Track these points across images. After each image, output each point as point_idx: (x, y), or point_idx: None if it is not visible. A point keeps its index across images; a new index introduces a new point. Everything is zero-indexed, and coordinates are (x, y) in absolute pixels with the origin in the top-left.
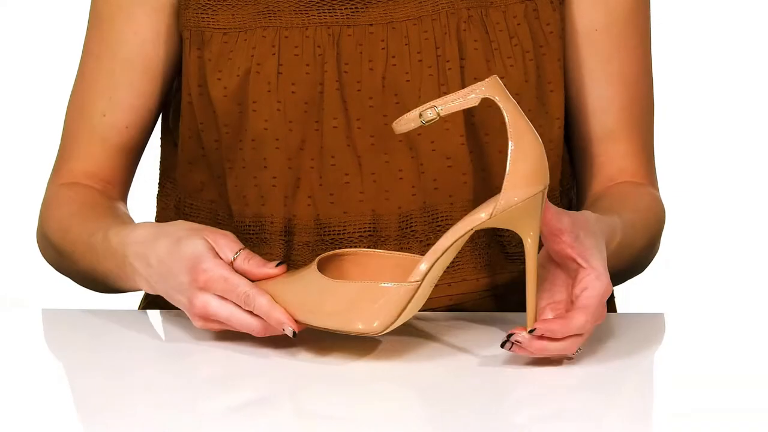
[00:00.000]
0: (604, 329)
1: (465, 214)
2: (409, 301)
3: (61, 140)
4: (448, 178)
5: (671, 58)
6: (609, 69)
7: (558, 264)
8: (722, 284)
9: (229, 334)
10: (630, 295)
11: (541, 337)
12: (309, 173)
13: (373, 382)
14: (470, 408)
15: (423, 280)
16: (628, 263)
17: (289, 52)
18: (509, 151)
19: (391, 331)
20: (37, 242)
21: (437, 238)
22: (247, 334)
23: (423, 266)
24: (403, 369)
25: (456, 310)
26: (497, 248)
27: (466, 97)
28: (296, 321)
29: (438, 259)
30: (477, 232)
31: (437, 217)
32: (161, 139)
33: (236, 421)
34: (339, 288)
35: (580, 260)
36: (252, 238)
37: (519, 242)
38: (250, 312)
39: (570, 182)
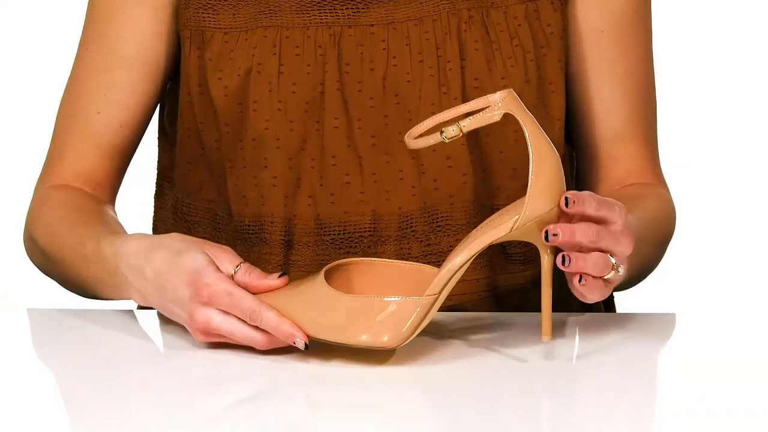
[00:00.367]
0: (614, 329)
1: (465, 215)
2: (426, 314)
3: (52, 138)
4: (448, 179)
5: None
6: (615, 70)
7: None
8: (733, 284)
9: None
10: (641, 295)
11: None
12: (309, 173)
13: (372, 382)
14: (473, 407)
15: (440, 293)
16: (641, 264)
17: (290, 52)
18: (530, 164)
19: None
20: (24, 244)
21: (437, 238)
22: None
23: (441, 279)
24: (402, 368)
25: (456, 310)
26: (497, 249)
27: (492, 113)
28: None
29: (456, 272)
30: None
31: (437, 218)
32: (158, 139)
33: (232, 421)
34: (353, 301)
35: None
36: (251, 238)
37: (519, 243)
38: (254, 326)
39: (570, 185)
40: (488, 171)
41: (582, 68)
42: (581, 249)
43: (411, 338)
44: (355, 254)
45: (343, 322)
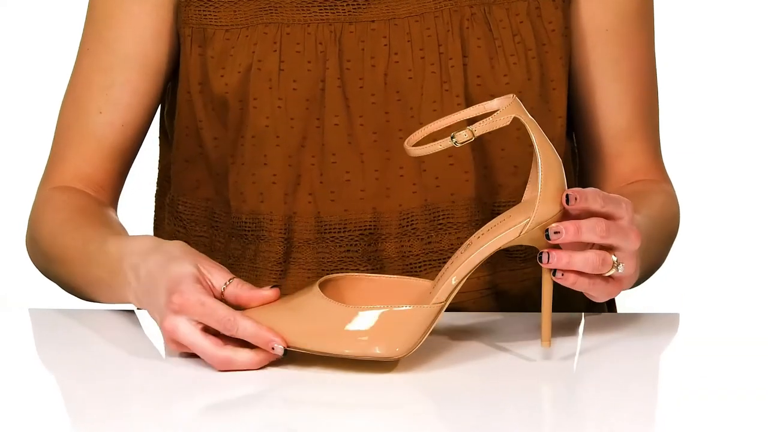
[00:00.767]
0: (617, 328)
1: (466, 213)
2: (432, 322)
3: (54, 140)
4: (449, 176)
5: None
6: (619, 68)
7: None
8: (737, 284)
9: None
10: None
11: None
12: (310, 170)
13: (373, 382)
14: (474, 407)
15: (447, 301)
16: (649, 263)
17: (290, 49)
18: (539, 170)
19: None
20: (26, 246)
21: (438, 236)
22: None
23: (448, 287)
24: (403, 368)
25: (457, 309)
26: None
27: (502, 117)
28: (300, 348)
29: (463, 279)
30: (478, 230)
31: (438, 215)
32: (159, 138)
33: (234, 422)
34: (355, 313)
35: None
36: (248, 236)
37: None
38: (221, 341)
39: (572, 182)
40: (490, 168)
41: (586, 66)
42: (584, 248)
43: (416, 347)
44: (356, 252)
45: (349, 334)
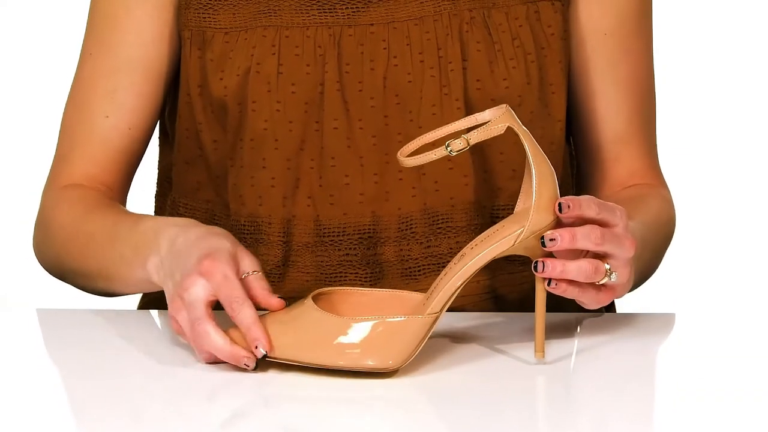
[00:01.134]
0: (614, 329)
1: (465, 217)
2: (426, 333)
3: (59, 144)
4: (448, 180)
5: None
6: (618, 72)
7: None
8: (732, 284)
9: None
10: (640, 295)
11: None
12: (309, 174)
13: (373, 383)
14: (472, 407)
15: (441, 311)
16: (644, 268)
17: (289, 52)
18: (533, 179)
19: None
20: (35, 246)
21: (437, 240)
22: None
23: (443, 297)
24: (402, 368)
25: (456, 311)
26: None
27: (496, 126)
28: (294, 360)
29: (457, 290)
30: (477, 234)
31: (437, 219)
32: (159, 139)
33: (234, 421)
34: (348, 324)
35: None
36: (246, 239)
37: None
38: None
39: (569, 185)
40: (489, 172)
41: (585, 70)
42: (578, 256)
43: (411, 358)
44: (355, 256)
45: (343, 346)
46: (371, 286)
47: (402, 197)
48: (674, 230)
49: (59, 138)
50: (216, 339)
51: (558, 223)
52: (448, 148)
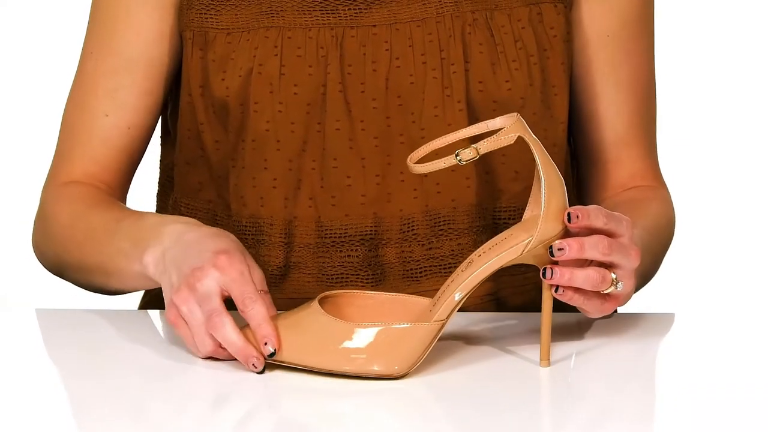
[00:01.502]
0: (613, 329)
1: (467, 219)
2: (433, 340)
3: (59, 142)
4: (450, 182)
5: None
6: (620, 74)
7: None
8: (733, 285)
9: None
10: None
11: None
12: (310, 175)
13: (374, 384)
14: (473, 407)
15: (448, 318)
16: (644, 273)
17: (291, 53)
18: (542, 188)
19: None
20: (35, 243)
21: (439, 242)
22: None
23: (449, 305)
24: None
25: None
26: None
27: (506, 135)
28: (299, 364)
29: (464, 298)
30: (479, 236)
31: (439, 221)
32: (161, 139)
33: (238, 422)
34: (354, 330)
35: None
36: (248, 239)
37: None
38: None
39: (571, 186)
40: (491, 174)
41: (587, 72)
42: (582, 265)
43: (417, 364)
44: (356, 257)
45: (349, 351)
46: (372, 287)
47: (404, 199)
48: (674, 233)
49: (59, 136)
50: (231, 332)
51: (566, 233)
52: (458, 158)
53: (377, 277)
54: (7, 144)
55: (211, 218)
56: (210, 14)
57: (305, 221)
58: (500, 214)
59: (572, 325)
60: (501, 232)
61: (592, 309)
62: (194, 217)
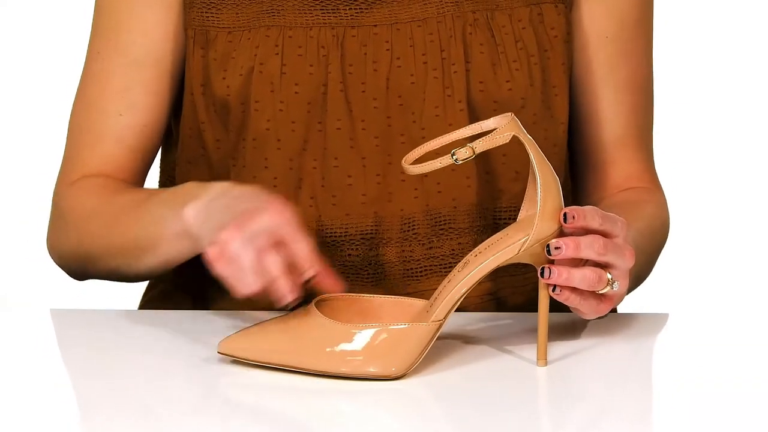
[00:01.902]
0: (608, 328)
1: (468, 218)
2: (430, 341)
3: (69, 144)
4: (451, 182)
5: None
6: (618, 75)
7: None
8: (727, 285)
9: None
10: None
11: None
12: (311, 174)
13: (374, 384)
14: (471, 407)
15: (445, 318)
16: (637, 274)
17: (292, 52)
18: (538, 188)
19: None
20: (51, 243)
21: (440, 241)
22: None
23: (447, 304)
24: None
25: (458, 310)
26: None
27: (501, 135)
28: (296, 366)
29: (461, 298)
30: (479, 236)
31: (440, 221)
32: (162, 138)
33: (245, 421)
34: (350, 332)
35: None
36: None
37: None
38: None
39: (570, 187)
40: (492, 174)
41: (586, 73)
42: (578, 265)
43: (414, 365)
44: (357, 256)
45: (346, 353)
46: (373, 286)
47: (404, 198)
48: (668, 235)
49: (68, 138)
50: (277, 264)
51: (561, 232)
52: (454, 157)
53: (378, 277)
54: (7, 144)
55: None
56: (211, 13)
57: (306, 220)
58: (501, 214)
59: (568, 324)
60: (504, 229)
61: (587, 309)
62: None
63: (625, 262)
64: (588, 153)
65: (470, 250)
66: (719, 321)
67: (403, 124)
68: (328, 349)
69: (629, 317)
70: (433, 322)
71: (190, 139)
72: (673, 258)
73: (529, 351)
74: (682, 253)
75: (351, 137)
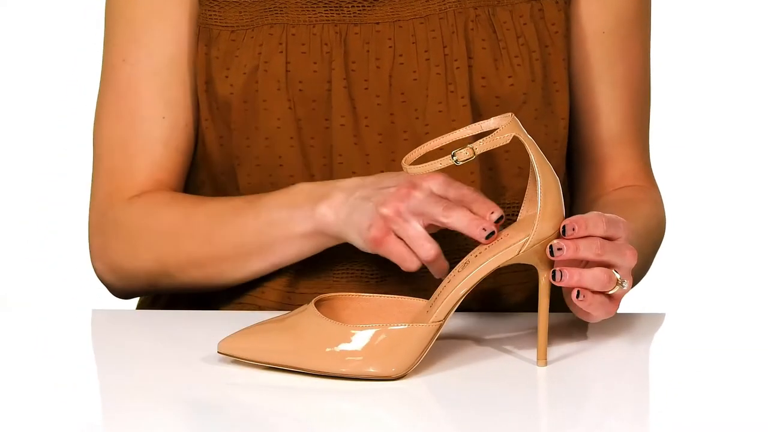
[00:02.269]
0: (606, 328)
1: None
2: (430, 341)
3: (106, 159)
4: (455, 177)
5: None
6: (615, 71)
7: None
8: (724, 284)
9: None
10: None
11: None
12: (322, 170)
13: (371, 383)
14: (470, 407)
15: (445, 319)
16: (634, 275)
17: (296, 50)
18: (538, 188)
19: None
20: (117, 268)
21: (444, 237)
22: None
23: (447, 305)
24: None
25: (458, 309)
26: None
27: (501, 135)
28: (296, 366)
29: (461, 299)
30: None
31: None
32: None
33: (245, 421)
34: (350, 332)
35: None
36: None
37: None
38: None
39: (566, 183)
40: (495, 170)
41: (583, 69)
42: (584, 266)
43: (415, 365)
44: (361, 253)
45: (346, 353)
46: (376, 282)
47: None
48: (664, 234)
49: (103, 153)
50: (463, 211)
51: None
52: (454, 158)
53: (381, 273)
54: (7, 144)
55: None
56: (214, 10)
57: None
58: (504, 210)
59: (568, 324)
60: (504, 229)
61: (599, 311)
62: None
63: (625, 261)
64: (584, 150)
65: (475, 245)
66: (716, 321)
67: (406, 121)
68: (327, 350)
69: (627, 317)
70: (433, 322)
71: None
72: (670, 257)
73: (529, 351)
74: (679, 253)
75: (355, 134)
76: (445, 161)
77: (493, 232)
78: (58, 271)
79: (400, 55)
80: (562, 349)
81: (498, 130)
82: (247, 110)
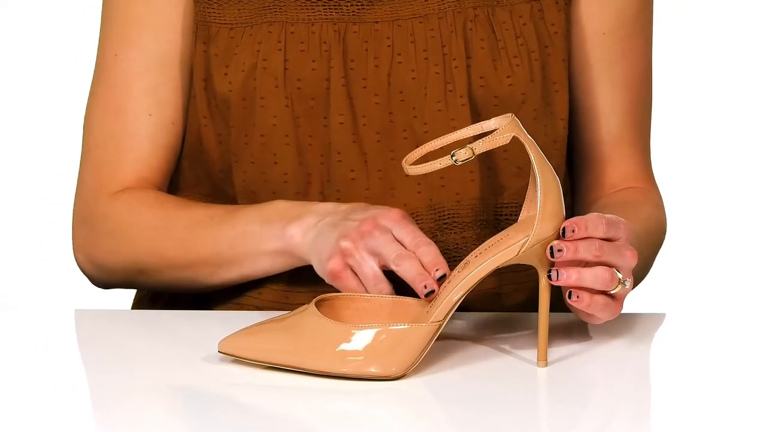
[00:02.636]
0: (606, 328)
1: (472, 212)
2: (430, 341)
3: (95, 152)
4: (454, 176)
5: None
6: (615, 72)
7: None
8: (724, 284)
9: None
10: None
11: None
12: (319, 169)
13: (371, 383)
14: (470, 406)
15: (445, 319)
16: (634, 274)
17: (294, 48)
18: (538, 189)
19: None
20: (98, 262)
21: (444, 235)
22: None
23: (446, 306)
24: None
25: (459, 309)
26: None
27: (501, 136)
28: (296, 366)
29: (461, 299)
30: (482, 230)
31: (444, 215)
32: None
33: (245, 421)
34: (351, 332)
35: None
36: None
37: None
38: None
39: (567, 184)
40: (494, 169)
41: (583, 70)
42: (585, 265)
43: (414, 365)
44: None
45: (346, 353)
46: None
47: (408, 193)
48: (665, 236)
49: (92, 145)
50: (413, 268)
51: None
52: (454, 158)
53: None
54: (7, 144)
55: None
56: (213, 8)
57: None
58: (502, 210)
59: (568, 324)
60: (503, 228)
61: (602, 312)
62: None
63: (625, 261)
64: (585, 150)
65: (474, 244)
66: (716, 320)
67: (404, 120)
68: (328, 349)
69: (627, 317)
70: (432, 323)
71: (189, 136)
72: (670, 258)
73: (529, 351)
74: (679, 253)
75: (353, 132)
76: (445, 161)
77: (432, 291)
78: (58, 271)
79: (399, 54)
80: (562, 349)
81: (498, 130)
82: (246, 108)
